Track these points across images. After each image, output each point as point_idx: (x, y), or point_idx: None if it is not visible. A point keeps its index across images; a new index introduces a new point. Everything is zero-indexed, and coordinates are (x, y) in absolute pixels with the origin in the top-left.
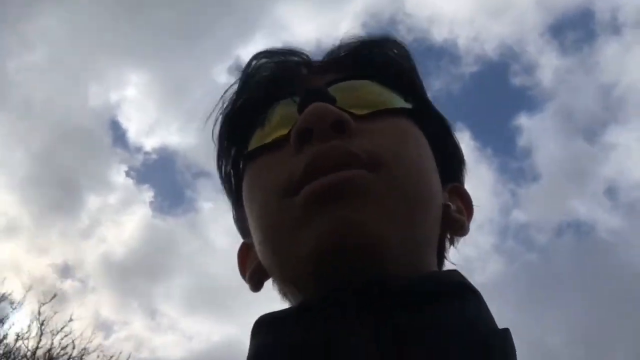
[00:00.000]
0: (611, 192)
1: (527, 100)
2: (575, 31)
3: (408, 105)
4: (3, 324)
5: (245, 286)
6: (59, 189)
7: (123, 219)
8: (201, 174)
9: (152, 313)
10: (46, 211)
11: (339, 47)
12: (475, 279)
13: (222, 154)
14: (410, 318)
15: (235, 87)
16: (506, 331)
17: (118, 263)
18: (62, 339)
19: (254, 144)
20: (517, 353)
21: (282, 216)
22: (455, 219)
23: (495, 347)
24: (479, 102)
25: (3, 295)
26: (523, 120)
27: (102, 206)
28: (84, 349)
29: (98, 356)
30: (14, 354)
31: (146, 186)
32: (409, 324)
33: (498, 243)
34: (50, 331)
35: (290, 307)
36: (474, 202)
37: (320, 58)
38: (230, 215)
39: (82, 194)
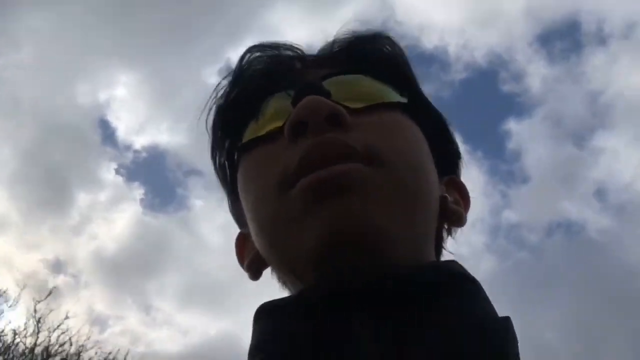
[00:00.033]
0: (600, 193)
1: (516, 106)
2: (563, 41)
3: (403, 100)
4: None
5: (238, 281)
6: (48, 186)
7: (113, 216)
8: (192, 172)
9: (146, 308)
10: (35, 208)
11: (333, 42)
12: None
13: (216, 145)
14: (410, 308)
15: (230, 79)
16: (507, 319)
17: (110, 259)
18: (59, 336)
19: (248, 136)
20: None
21: (278, 209)
22: (453, 210)
23: (497, 335)
24: (469, 108)
25: None
26: (512, 125)
27: (92, 203)
28: (82, 345)
29: (96, 352)
30: (12, 352)
31: (136, 184)
32: (409, 314)
33: (490, 242)
34: (47, 328)
35: (290, 295)
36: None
37: (314, 53)
38: (221, 212)
39: (71, 191)
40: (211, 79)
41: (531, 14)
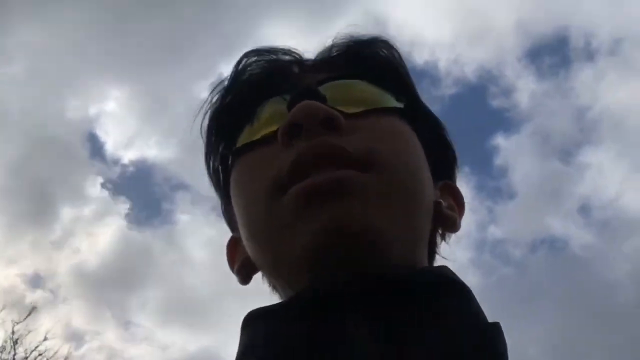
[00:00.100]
0: (585, 209)
1: (505, 121)
2: (552, 56)
3: (399, 105)
4: None
5: (220, 297)
6: (32, 200)
7: (97, 230)
8: (179, 186)
9: (125, 324)
10: (17, 221)
11: (331, 47)
12: None
13: (211, 150)
14: (407, 308)
15: (226, 83)
16: (497, 325)
17: (91, 274)
18: (36, 357)
19: (242, 140)
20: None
21: (269, 215)
22: (447, 215)
23: (488, 340)
24: (458, 123)
25: None
26: (500, 140)
27: (76, 217)
28: None
29: None
30: None
31: (122, 198)
32: (405, 314)
33: (475, 257)
34: (25, 350)
35: (281, 301)
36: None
37: (312, 57)
38: (206, 227)
39: (56, 206)
40: (203, 93)
41: (521, 30)
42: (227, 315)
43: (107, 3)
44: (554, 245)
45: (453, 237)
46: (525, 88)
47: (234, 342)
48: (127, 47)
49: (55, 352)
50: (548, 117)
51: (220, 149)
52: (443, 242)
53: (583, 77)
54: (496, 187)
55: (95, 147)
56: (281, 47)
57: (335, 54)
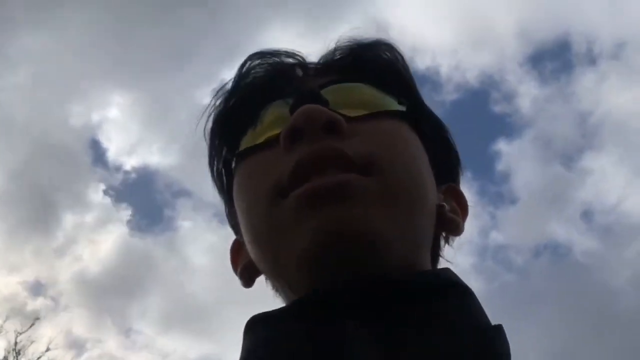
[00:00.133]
0: (587, 215)
1: (507, 127)
2: (553, 62)
3: (401, 108)
4: None
5: (221, 304)
6: (34, 207)
7: (99, 237)
8: (181, 192)
9: (126, 331)
10: (20, 229)
11: (334, 50)
12: None
13: (214, 153)
14: (407, 310)
15: (229, 86)
16: (499, 327)
17: (92, 281)
18: None
19: (245, 143)
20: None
21: (270, 218)
22: (450, 219)
23: (489, 342)
24: (460, 128)
25: None
26: (502, 145)
27: (78, 224)
28: None
29: None
30: None
31: (124, 205)
32: (406, 316)
33: (477, 263)
34: None
35: (283, 306)
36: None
37: (315, 60)
38: (208, 234)
39: (58, 213)
40: (205, 100)
41: (523, 35)
42: (229, 322)
43: (110, 11)
44: (556, 251)
45: (455, 243)
46: (527, 93)
47: (235, 349)
48: (129, 53)
49: None
50: (550, 122)
51: (224, 152)
52: (447, 246)
53: (585, 81)
54: (498, 193)
55: (97, 153)
56: (284, 49)
57: (338, 57)
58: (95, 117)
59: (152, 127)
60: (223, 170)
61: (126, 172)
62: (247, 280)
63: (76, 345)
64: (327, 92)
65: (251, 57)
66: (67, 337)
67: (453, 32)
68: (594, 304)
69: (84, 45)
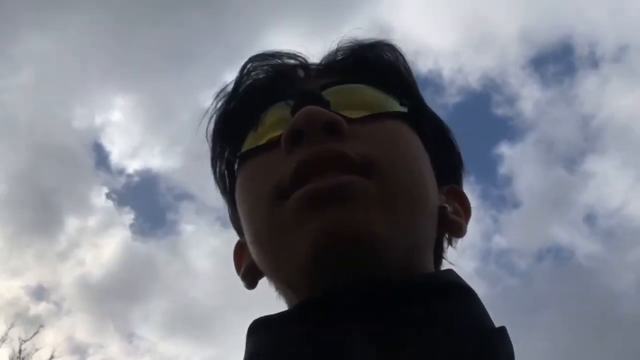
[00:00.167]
0: (590, 219)
1: (509, 130)
2: (556, 65)
3: (403, 109)
4: None
5: (224, 309)
6: (37, 210)
7: (102, 241)
8: (183, 196)
9: (129, 336)
10: (22, 232)
11: (336, 51)
12: None
13: (217, 155)
14: (407, 312)
15: (231, 87)
16: (503, 329)
17: (95, 285)
18: None
19: (247, 145)
20: None
21: (271, 220)
22: (453, 220)
23: (490, 344)
24: (462, 132)
25: None
26: (504, 149)
27: (81, 228)
28: None
29: None
30: None
31: (127, 208)
32: (406, 318)
33: (480, 267)
34: None
35: (284, 310)
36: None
37: (317, 61)
38: (210, 238)
39: (61, 216)
40: (208, 102)
41: (525, 38)
42: (231, 326)
43: (113, 12)
44: (559, 254)
45: (458, 247)
46: (530, 96)
47: (237, 353)
48: (132, 55)
49: None
50: (552, 125)
51: (226, 154)
52: (450, 248)
53: (587, 84)
54: (500, 196)
55: (100, 156)
56: (286, 51)
57: (339, 57)
58: (98, 119)
59: (154, 129)
60: (226, 172)
61: (129, 176)
62: (250, 281)
63: (79, 350)
64: (329, 94)
65: (252, 59)
66: (70, 342)
67: (456, 35)
68: (597, 308)
69: (86, 46)
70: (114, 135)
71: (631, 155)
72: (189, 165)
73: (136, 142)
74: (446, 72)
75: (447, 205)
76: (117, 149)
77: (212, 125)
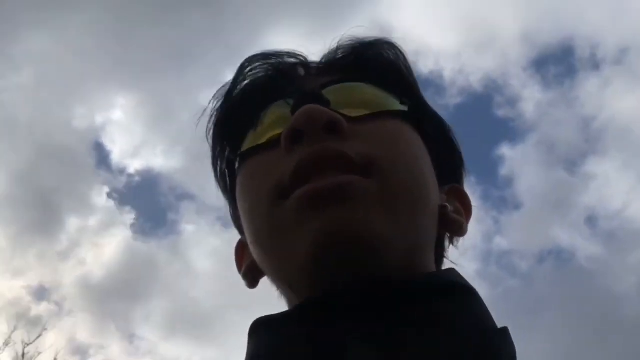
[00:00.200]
0: (591, 221)
1: (510, 131)
2: (557, 66)
3: (403, 108)
4: None
5: (225, 309)
6: (38, 210)
7: (103, 241)
8: (184, 196)
9: (130, 337)
10: (23, 231)
11: (337, 49)
12: None
13: (217, 154)
14: (407, 313)
15: (231, 87)
16: (505, 330)
17: (96, 285)
18: None
19: (247, 144)
20: None
21: (271, 219)
22: (453, 220)
23: (490, 344)
24: (463, 133)
25: None
26: (505, 150)
27: (81, 228)
28: None
29: None
30: None
31: (128, 208)
32: (405, 319)
33: (481, 269)
34: None
35: (285, 310)
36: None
37: (317, 60)
38: (211, 238)
39: (62, 216)
40: (209, 102)
41: (526, 39)
42: (232, 327)
43: (113, 11)
44: (560, 256)
45: (459, 249)
46: (531, 97)
47: (239, 354)
48: (133, 55)
49: None
50: (553, 126)
51: (226, 153)
52: (452, 247)
53: (588, 86)
54: (501, 197)
55: (101, 156)
56: (286, 50)
57: (340, 56)
58: (98, 119)
59: (155, 128)
60: (226, 171)
61: (130, 175)
62: (251, 281)
63: (79, 351)
64: (329, 92)
65: (252, 59)
66: (71, 343)
67: (457, 35)
68: (598, 310)
69: (87, 46)
70: (115, 134)
71: (632, 157)
72: (189, 165)
73: (137, 142)
74: (447, 73)
75: (448, 204)
76: (118, 149)
77: (212, 125)
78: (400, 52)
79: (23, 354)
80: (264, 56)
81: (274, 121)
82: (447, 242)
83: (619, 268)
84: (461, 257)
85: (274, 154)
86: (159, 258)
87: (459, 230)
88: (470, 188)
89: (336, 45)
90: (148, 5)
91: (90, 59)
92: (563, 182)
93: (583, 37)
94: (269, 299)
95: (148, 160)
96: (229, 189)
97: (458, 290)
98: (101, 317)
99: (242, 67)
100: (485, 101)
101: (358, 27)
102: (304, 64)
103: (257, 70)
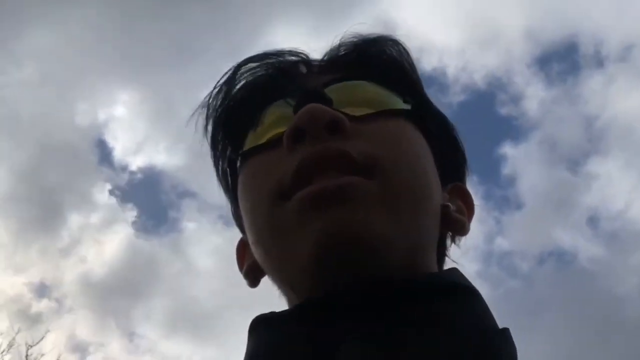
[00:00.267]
0: (593, 221)
1: (513, 129)
2: (560, 63)
3: (406, 107)
4: None
5: (225, 308)
6: (40, 207)
7: (105, 238)
8: (186, 193)
9: (130, 335)
10: (25, 229)
11: (339, 46)
12: None
13: (219, 153)
14: (407, 313)
15: (231, 85)
16: (506, 330)
17: (97, 283)
18: None
19: (249, 143)
20: None
21: (273, 220)
22: (456, 219)
23: (495, 345)
24: (466, 131)
25: None
26: (508, 149)
27: (83, 225)
28: None
29: None
30: None
31: (130, 205)
32: (405, 319)
33: (482, 269)
34: None
35: (285, 309)
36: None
37: (320, 57)
38: (213, 236)
39: (63, 212)
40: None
41: (530, 36)
42: (233, 325)
43: (116, 7)
44: (561, 257)
45: (461, 249)
46: (534, 95)
47: (239, 353)
48: (136, 50)
49: None
50: (556, 125)
51: (228, 152)
52: (454, 245)
53: (592, 84)
54: (504, 197)
55: (103, 153)
56: (287, 49)
57: (342, 53)
58: (101, 115)
59: (158, 125)
60: (228, 170)
61: (132, 172)
62: (253, 280)
63: (79, 348)
64: (331, 91)
65: (252, 58)
66: (71, 341)
67: (460, 32)
68: (600, 311)
69: (89, 41)
70: (117, 131)
71: (635, 156)
72: (191, 162)
73: (140, 138)
74: (450, 70)
75: (450, 203)
76: (120, 145)
77: (212, 124)
78: (404, 49)
79: (27, 356)
80: (265, 55)
81: (276, 120)
82: (449, 241)
83: (621, 269)
84: (462, 257)
85: (275, 153)
86: (160, 256)
87: (461, 229)
88: (472, 187)
89: (338, 42)
90: (150, 0)
91: (92, 55)
92: (565, 182)
93: (587, 34)
94: (271, 298)
95: (150, 157)
96: (230, 188)
97: (459, 290)
98: (102, 314)
99: (241, 66)
100: (488, 99)
101: (361, 23)
102: (306, 61)
103: (258, 69)
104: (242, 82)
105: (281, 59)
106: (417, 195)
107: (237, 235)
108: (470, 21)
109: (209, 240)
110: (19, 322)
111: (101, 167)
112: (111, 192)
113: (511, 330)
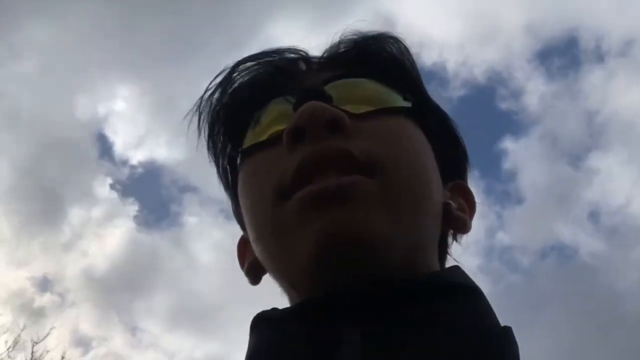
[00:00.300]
0: (594, 216)
1: (514, 124)
2: (561, 58)
3: (406, 104)
4: None
5: (227, 303)
6: (41, 201)
7: (106, 232)
8: (187, 188)
9: (132, 329)
10: (27, 223)
11: (339, 43)
12: None
13: (219, 150)
14: (407, 313)
15: (230, 83)
16: (508, 329)
17: (99, 277)
18: None
19: (249, 140)
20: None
21: (273, 219)
22: (457, 217)
23: (495, 344)
24: (466, 126)
25: None
26: (509, 144)
27: (85, 219)
28: None
29: None
30: None
31: (131, 199)
32: (405, 319)
33: (483, 264)
34: None
35: (286, 307)
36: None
37: (320, 54)
38: (214, 230)
39: (65, 207)
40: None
41: (530, 31)
42: (235, 320)
43: (116, 0)
44: (562, 252)
45: (463, 243)
46: (535, 90)
47: (241, 347)
48: (137, 44)
49: None
50: (557, 120)
51: (228, 149)
52: (455, 243)
53: (593, 79)
54: (504, 191)
55: (104, 147)
56: (287, 46)
57: (342, 50)
58: (101, 109)
59: (158, 119)
60: (228, 167)
61: (133, 167)
62: (254, 277)
63: (82, 342)
64: (331, 88)
65: (251, 57)
66: (74, 335)
67: (460, 27)
68: (601, 306)
69: (89, 35)
70: (118, 125)
71: (636, 151)
72: (192, 156)
73: (141, 132)
74: (450, 65)
75: (451, 201)
76: (121, 140)
77: (211, 121)
78: (404, 46)
79: (32, 353)
80: (264, 54)
81: (276, 118)
82: (450, 239)
83: (622, 264)
84: (464, 253)
85: (275, 151)
86: (161, 250)
87: (462, 227)
88: (473, 182)
89: (338, 39)
90: None
91: (93, 48)
92: (566, 177)
93: (587, 28)
94: (272, 293)
95: (151, 151)
96: (230, 185)
97: (460, 289)
98: (104, 308)
99: (238, 65)
100: (488, 94)
101: (361, 20)
102: (305, 58)
103: (257, 67)
104: (241, 80)
105: (280, 56)
106: (418, 194)
107: (238, 229)
108: (470, 15)
109: (211, 235)
110: (22, 316)
111: (102, 161)
112: (112, 187)
113: (512, 325)
